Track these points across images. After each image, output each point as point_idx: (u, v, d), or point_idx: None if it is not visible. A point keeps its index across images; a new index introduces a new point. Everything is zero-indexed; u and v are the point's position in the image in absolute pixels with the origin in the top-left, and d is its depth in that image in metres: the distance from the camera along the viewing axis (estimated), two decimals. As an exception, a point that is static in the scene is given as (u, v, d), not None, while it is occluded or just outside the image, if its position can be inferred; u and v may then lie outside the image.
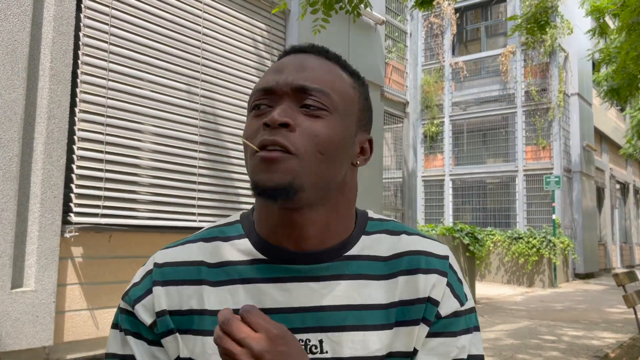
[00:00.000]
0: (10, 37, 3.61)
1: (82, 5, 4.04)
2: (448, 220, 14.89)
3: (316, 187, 0.69)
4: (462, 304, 0.76)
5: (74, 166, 3.94)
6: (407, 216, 7.92)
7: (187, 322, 0.72)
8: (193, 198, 4.76)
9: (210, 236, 0.78)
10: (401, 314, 0.73)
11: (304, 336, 0.70)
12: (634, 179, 21.85)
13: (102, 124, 4.12)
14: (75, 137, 3.95)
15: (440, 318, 0.74)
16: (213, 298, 0.72)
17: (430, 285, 0.74)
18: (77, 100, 3.98)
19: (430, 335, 0.73)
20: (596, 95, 15.71)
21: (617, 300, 9.36)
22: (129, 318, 0.74)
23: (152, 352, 0.73)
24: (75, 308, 3.98)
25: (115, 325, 0.77)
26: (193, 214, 4.76)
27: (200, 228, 3.78)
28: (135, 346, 0.73)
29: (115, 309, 3.75)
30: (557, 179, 12.54)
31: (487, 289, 11.14)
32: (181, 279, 0.74)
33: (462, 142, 15.54)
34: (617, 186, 19.71)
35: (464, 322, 0.75)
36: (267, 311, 0.69)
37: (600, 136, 17.45)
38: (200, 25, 4.92)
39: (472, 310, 0.77)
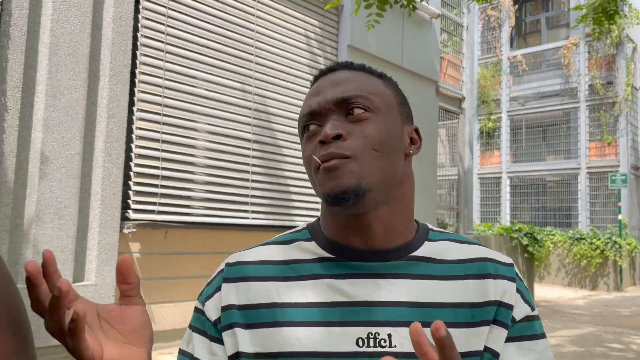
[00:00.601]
0: (71, 39, 3.73)
1: (140, 7, 4.12)
2: (505, 219, 14.43)
3: (381, 185, 0.74)
4: (532, 310, 0.80)
5: (132, 164, 4.03)
6: (462, 215, 7.70)
7: (257, 315, 0.75)
8: (246, 195, 4.79)
9: (275, 241, 0.84)
10: (470, 315, 0.75)
11: (372, 329, 0.72)
12: None
13: (158, 123, 4.20)
14: (133, 136, 4.04)
15: (515, 322, 0.77)
16: (282, 292, 0.76)
17: (501, 290, 0.77)
18: (135, 99, 4.06)
19: (510, 339, 0.76)
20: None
21: (691, 307, 8.78)
22: (199, 316, 0.80)
23: (211, 348, 0.76)
24: (133, 302, 4.08)
25: (190, 325, 0.82)
26: (246, 211, 4.78)
27: (253, 225, 3.78)
28: (196, 342, 0.78)
29: (169, 305, 3.80)
30: (623, 177, 11.89)
31: (546, 292, 10.71)
32: (250, 276, 0.78)
33: (520, 138, 15.01)
34: (690, 185, 18.54)
35: (537, 327, 0.79)
36: (335, 304, 0.73)
37: (672, 132, 16.46)
38: (253, 24, 4.94)
39: (539, 317, 0.81)
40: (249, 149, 4.84)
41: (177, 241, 4.34)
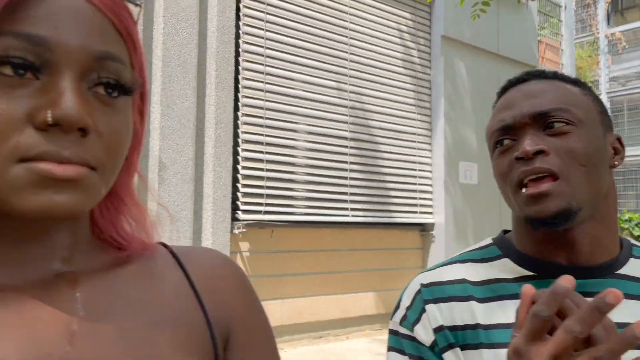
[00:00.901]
0: (180, 50, 3.92)
1: (241, 14, 4.26)
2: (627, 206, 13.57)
3: (591, 202, 0.70)
4: None
5: (239, 167, 4.18)
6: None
7: (462, 337, 0.73)
8: (345, 194, 4.83)
9: (465, 259, 0.80)
10: None
11: None
12: None
13: (261, 126, 4.32)
14: (239, 140, 4.20)
15: None
16: (483, 313, 0.73)
17: None
18: (240, 104, 4.21)
19: None
20: None
21: None
22: (410, 342, 0.77)
23: None
24: (245, 300, 4.24)
25: (394, 349, 0.79)
26: (346, 209, 4.82)
27: (353, 223, 3.77)
28: None
29: (277, 301, 3.89)
30: None
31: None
32: (450, 296, 0.76)
33: (622, 121, 14.01)
34: None
35: None
36: None
37: None
38: (346, 21, 4.95)
39: None
40: (346, 147, 4.87)
41: (282, 240, 4.46)
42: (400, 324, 0.79)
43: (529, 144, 0.69)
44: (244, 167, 4.20)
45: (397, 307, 0.81)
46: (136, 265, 0.53)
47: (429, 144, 5.54)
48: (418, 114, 5.46)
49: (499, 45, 6.07)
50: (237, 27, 4.23)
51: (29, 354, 0.42)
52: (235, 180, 4.18)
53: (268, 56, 4.38)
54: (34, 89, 0.41)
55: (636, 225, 7.78)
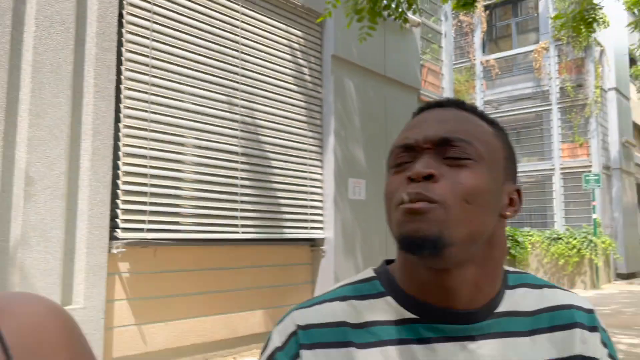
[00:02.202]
0: (54, 55, 3.62)
1: (124, 21, 4.03)
2: (483, 221, 14.61)
3: (465, 241, 0.66)
4: None
5: (119, 182, 3.92)
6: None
7: None
8: (235, 210, 4.72)
9: (346, 294, 0.74)
10: None
11: None
12: (675, 174, 21.14)
13: (145, 139, 4.10)
14: (120, 153, 3.94)
15: None
16: None
17: (585, 342, 0.73)
18: (121, 115, 3.97)
19: None
20: (635, 90, 15.24)
21: (667, 303, 9.01)
22: None
23: None
24: (124, 324, 3.97)
25: None
26: (236, 225, 4.71)
27: (243, 240, 3.70)
28: None
29: (161, 324, 3.68)
30: (596, 177, 12.16)
31: (527, 292, 10.84)
32: (327, 341, 0.69)
33: (495, 141, 15.23)
34: (657, 182, 19.09)
35: None
36: None
37: (639, 131, 16.92)
38: (238, 35, 4.88)
39: None
40: (237, 162, 4.77)
41: (166, 259, 4.24)
42: None
43: (422, 166, 0.66)
44: (124, 182, 3.95)
45: (266, 347, 0.73)
46: None
47: (320, 160, 5.61)
48: (309, 130, 5.50)
49: (386, 68, 6.32)
50: (120, 34, 4.00)
51: None
52: (115, 196, 3.91)
53: (154, 66, 4.18)
54: None
55: (507, 238, 8.41)
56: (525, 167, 14.44)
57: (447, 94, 7.93)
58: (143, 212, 4.04)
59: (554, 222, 13.81)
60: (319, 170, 5.59)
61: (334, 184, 5.52)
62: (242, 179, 4.80)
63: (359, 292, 0.74)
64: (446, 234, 0.64)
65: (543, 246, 12.62)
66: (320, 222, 5.55)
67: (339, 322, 0.70)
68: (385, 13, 3.60)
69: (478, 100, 15.26)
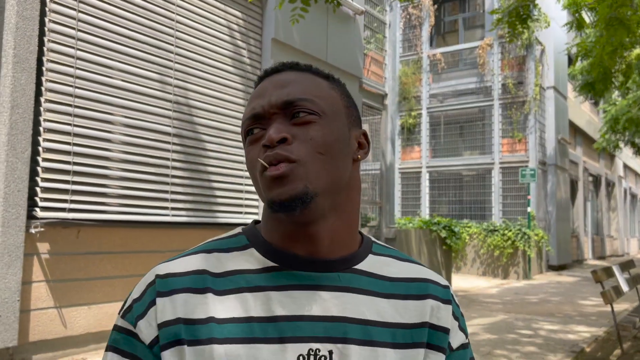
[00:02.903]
0: (-31, 22, 3.41)
1: (48, -11, 3.83)
2: (424, 212, 14.93)
3: (328, 190, 0.71)
4: (466, 337, 0.82)
5: (39, 158, 3.76)
6: (385, 210, 7.87)
7: (194, 331, 0.68)
8: (166, 192, 4.61)
9: (211, 248, 0.77)
10: (409, 336, 0.75)
11: (313, 345, 0.69)
12: (606, 172, 22.24)
13: (69, 115, 3.94)
14: (41, 128, 3.77)
15: (452, 350, 0.79)
16: (220, 307, 0.70)
17: (436, 312, 0.79)
18: (43, 89, 3.79)
19: None
20: (572, 89, 15.91)
21: (590, 293, 9.50)
22: (127, 337, 0.71)
23: None
24: (42, 306, 3.82)
25: (110, 347, 0.72)
26: (166, 207, 4.61)
27: (173, 223, 3.63)
28: None
29: (83, 307, 3.58)
30: (532, 172, 12.64)
31: (462, 281, 11.21)
32: (186, 287, 0.71)
33: (439, 134, 15.55)
34: (590, 179, 20.04)
35: (469, 354, 0.82)
36: (276, 318, 0.69)
37: (575, 129, 17.67)
38: (173, 13, 4.75)
39: (469, 343, 0.84)
40: (169, 142, 4.66)
41: (90, 240, 4.10)
42: (123, 317, 0.72)
43: (274, 131, 0.69)
44: (45, 159, 3.78)
45: (126, 301, 0.74)
46: None
47: (257, 144, 5.55)
48: (246, 114, 5.44)
49: (327, 54, 6.32)
50: (43, 3, 3.80)
51: None
52: (34, 173, 3.74)
53: (80, 39, 4.01)
54: None
55: (443, 228, 8.63)
56: (467, 160, 14.84)
57: (390, 83, 8.02)
58: (66, 191, 3.89)
59: (492, 214, 14.28)
60: (256, 154, 5.54)
61: (270, 169, 5.48)
62: (174, 160, 4.69)
63: (225, 245, 0.76)
64: (310, 188, 0.68)
65: (480, 237, 13.04)
66: (255, 207, 5.51)
67: (199, 270, 0.72)
68: (316, -5, 3.59)
69: (424, 93, 15.54)
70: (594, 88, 10.79)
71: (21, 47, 3.66)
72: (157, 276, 0.72)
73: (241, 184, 5.36)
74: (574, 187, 17.63)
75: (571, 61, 16.00)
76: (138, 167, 4.40)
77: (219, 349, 0.66)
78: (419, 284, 0.79)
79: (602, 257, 20.82)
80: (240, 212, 5.36)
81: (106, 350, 0.73)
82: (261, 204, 5.51)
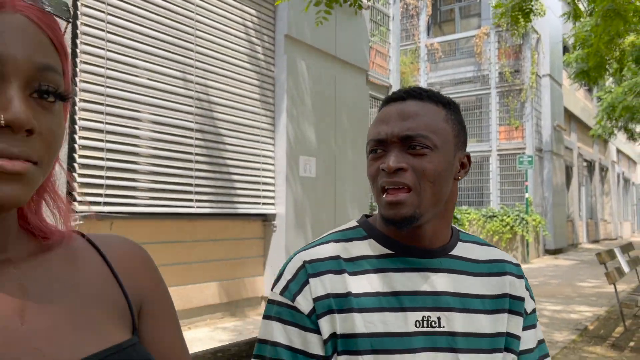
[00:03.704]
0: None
1: (79, -6, 4.01)
2: (424, 199, 15.21)
3: (431, 208, 0.91)
4: (534, 303, 1.04)
5: (76, 155, 3.95)
6: (391, 198, 8.11)
7: (339, 303, 0.89)
8: (190, 185, 4.83)
9: (337, 238, 0.97)
10: (494, 304, 0.97)
11: (426, 314, 0.90)
12: (600, 157, 22.59)
13: (101, 113, 4.14)
14: (77, 127, 3.96)
15: (527, 314, 1.00)
16: (353, 284, 0.90)
17: (513, 285, 1.00)
18: (77, 89, 3.98)
19: (525, 328, 1.00)
20: (566, 77, 16.13)
21: (588, 275, 9.82)
22: (288, 310, 0.90)
23: (306, 337, 0.88)
24: (81, 295, 4.04)
25: (274, 318, 0.91)
26: (191, 200, 4.82)
27: (198, 214, 3.86)
28: (288, 332, 0.89)
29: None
30: (529, 159, 12.92)
31: (463, 266, 11.48)
32: (328, 269, 0.91)
33: (437, 122, 15.79)
34: (584, 164, 20.37)
35: (536, 316, 1.04)
36: (398, 293, 0.90)
37: (569, 116, 17.96)
38: (192, 12, 4.93)
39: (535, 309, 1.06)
40: (191, 137, 4.86)
41: (122, 231, 4.31)
42: (281, 294, 0.91)
43: (393, 161, 0.87)
44: (81, 156, 3.99)
45: (278, 280, 0.93)
46: (61, 251, 0.60)
47: (272, 138, 5.77)
48: (262, 109, 5.64)
49: (336, 49, 6.52)
50: (75, 7, 3.98)
51: None
52: (72, 169, 3.94)
53: (109, 41, 4.20)
54: None
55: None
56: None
57: (394, 75, 8.21)
58: (100, 185, 4.10)
59: (490, 200, 14.57)
60: (271, 147, 5.76)
61: (285, 161, 5.70)
62: (197, 154, 4.90)
63: (346, 236, 0.98)
64: (418, 212, 0.88)
65: (479, 223, 13.33)
66: (272, 198, 5.74)
67: (335, 256, 0.93)
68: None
69: (422, 82, 15.73)
70: (588, 75, 11.00)
71: (56, 50, 3.84)
72: (305, 262, 0.92)
73: (258, 176, 5.58)
74: (569, 173, 17.94)
75: (566, 49, 16.23)
76: (165, 161, 4.60)
77: (357, 316, 0.88)
78: (498, 264, 1.00)
79: (596, 241, 21.21)
80: (258, 203, 5.58)
81: (268, 319, 0.92)
82: (278, 195, 5.73)
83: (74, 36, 3.96)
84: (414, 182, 0.88)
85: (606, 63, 10.32)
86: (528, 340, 1.00)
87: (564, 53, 15.85)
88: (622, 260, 4.91)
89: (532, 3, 5.33)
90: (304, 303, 0.89)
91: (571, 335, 4.85)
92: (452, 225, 1.04)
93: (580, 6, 9.86)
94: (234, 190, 5.29)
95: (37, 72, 0.50)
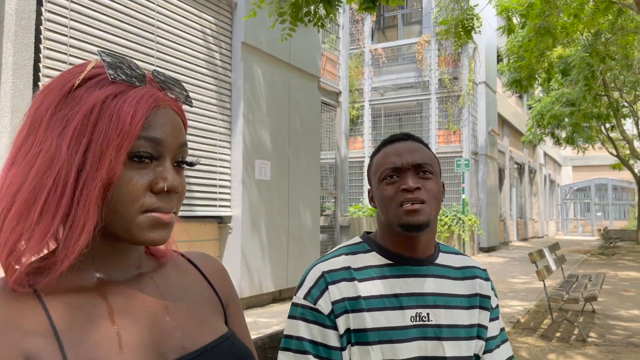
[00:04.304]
0: (-28, 31, 3.59)
1: (43, 0, 4.04)
2: (367, 200, 15.70)
3: (434, 219, 1.19)
4: (497, 300, 1.31)
5: (38, 160, 3.98)
6: (339, 199, 8.43)
7: (352, 305, 1.13)
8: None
9: (346, 252, 1.23)
10: (468, 302, 1.23)
11: (419, 310, 1.16)
12: (529, 160, 24.01)
13: (64, 118, 4.17)
14: (40, 131, 3.99)
15: (492, 308, 1.27)
16: (362, 289, 1.15)
17: (482, 286, 1.27)
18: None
19: (491, 320, 1.26)
20: (500, 85, 17.09)
21: (519, 272, 10.54)
22: (310, 312, 1.14)
23: (325, 333, 1.12)
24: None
25: (299, 318, 1.14)
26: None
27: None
28: (311, 329, 1.13)
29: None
30: (466, 162, 13.64)
31: (405, 264, 11.99)
32: (342, 278, 1.16)
33: (380, 125, 16.33)
34: (515, 167, 21.62)
35: (499, 311, 1.31)
36: (398, 295, 1.16)
37: (502, 121, 19.01)
38: (153, 18, 5.02)
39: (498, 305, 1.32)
40: (151, 142, 4.95)
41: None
42: (305, 298, 1.15)
43: (413, 182, 1.14)
44: (44, 160, 4.02)
45: (300, 287, 1.17)
46: (172, 266, 0.82)
47: (229, 142, 5.92)
48: (219, 113, 5.79)
49: (290, 57, 6.74)
50: (39, 12, 4.01)
51: (146, 322, 0.70)
52: (33, 173, 3.97)
53: (72, 46, 4.24)
54: (151, 169, 0.69)
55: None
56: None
57: (343, 82, 8.53)
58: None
59: (429, 201, 15.23)
60: (227, 151, 5.91)
61: (242, 165, 5.88)
62: (157, 158, 4.99)
63: (353, 250, 1.23)
64: (430, 218, 1.15)
65: (419, 223, 13.95)
66: (228, 200, 5.90)
67: (346, 267, 1.18)
68: (306, 19, 4.01)
69: (366, 86, 16.21)
70: (520, 84, 11.76)
71: (19, 55, 3.86)
72: (324, 272, 1.17)
73: (215, 179, 5.72)
74: (502, 175, 18.99)
75: (500, 58, 17.18)
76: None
77: (367, 314, 1.13)
78: (470, 269, 1.27)
79: (525, 239, 22.53)
80: (215, 206, 5.72)
81: (294, 319, 1.15)
82: (234, 198, 5.89)
83: (37, 41, 3.99)
84: (426, 197, 1.14)
85: (535, 73, 11.09)
86: (493, 329, 1.26)
87: (498, 62, 16.80)
88: (550, 259, 5.43)
89: (473, 22, 5.77)
90: (324, 306, 1.13)
91: (506, 328, 5.33)
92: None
93: (514, 20, 10.59)
94: (190, 192, 5.41)
95: (179, 148, 0.72)
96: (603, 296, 7.21)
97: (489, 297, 1.26)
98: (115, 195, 0.65)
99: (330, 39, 8.48)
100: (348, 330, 1.13)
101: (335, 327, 1.12)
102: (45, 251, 0.66)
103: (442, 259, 1.25)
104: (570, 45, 12.68)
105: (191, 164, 0.76)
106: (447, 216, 13.57)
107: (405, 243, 1.19)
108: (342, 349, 1.13)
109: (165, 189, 0.69)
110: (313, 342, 1.12)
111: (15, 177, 0.65)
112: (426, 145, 1.26)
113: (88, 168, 0.63)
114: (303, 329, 1.13)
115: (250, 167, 6.01)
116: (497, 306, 1.30)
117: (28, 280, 0.64)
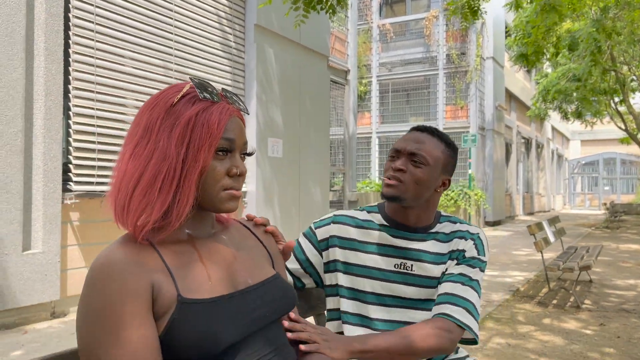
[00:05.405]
0: (8, 20, 3.87)
1: (71, -12, 4.29)
2: (374, 175, 15.98)
3: (412, 198, 1.44)
4: (479, 255, 1.47)
5: (70, 139, 4.30)
6: (347, 175, 8.72)
7: (342, 242, 1.50)
8: (171, 165, 5.22)
9: (364, 209, 1.58)
10: (444, 258, 1.48)
11: (403, 261, 1.45)
12: (536, 135, 24.10)
13: (92, 100, 4.47)
14: (71, 113, 4.29)
15: (464, 258, 1.45)
16: (360, 236, 1.49)
17: (460, 243, 1.50)
18: (70, 78, 4.29)
19: (457, 265, 1.45)
20: (507, 59, 17.12)
21: (522, 245, 10.84)
22: (311, 233, 1.54)
23: (312, 250, 1.51)
24: (76, 266, 4.43)
25: (303, 235, 1.56)
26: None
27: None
28: (306, 242, 1.53)
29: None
30: (473, 137, 13.83)
31: (411, 238, 12.31)
32: (347, 223, 1.52)
33: (387, 101, 16.49)
34: (522, 141, 21.75)
35: (477, 263, 1.44)
36: (384, 245, 1.47)
37: (510, 96, 19.09)
38: (172, 3, 5.26)
39: (484, 262, 1.47)
40: (171, 122, 5.24)
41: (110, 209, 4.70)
42: (313, 224, 1.56)
43: (400, 163, 1.42)
44: (75, 140, 4.33)
45: (318, 220, 1.55)
46: (233, 229, 1.13)
47: (243, 121, 6.20)
48: (234, 93, 6.05)
49: (300, 37, 6.96)
50: (67, 1, 4.27)
51: (222, 264, 1.00)
52: (67, 152, 4.29)
53: (98, 32, 4.51)
54: (227, 159, 0.98)
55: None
56: (413, 126, 15.87)
57: (352, 60, 8.73)
58: (92, 167, 4.46)
59: (436, 176, 15.47)
60: (241, 129, 6.20)
61: (255, 143, 6.17)
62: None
63: (370, 209, 1.56)
64: (401, 196, 1.42)
65: (426, 197, 14.22)
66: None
67: (355, 217, 1.53)
68: (318, 6, 4.24)
69: (374, 62, 16.33)
70: (527, 59, 11.85)
71: (50, 41, 4.14)
72: (335, 214, 1.54)
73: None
74: (508, 150, 19.15)
75: (508, 33, 17.18)
76: (148, 144, 4.98)
77: (359, 254, 1.46)
78: (458, 233, 1.49)
79: (531, 213, 22.78)
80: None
81: (303, 234, 1.54)
82: (249, 175, 6.20)
83: (67, 28, 4.26)
84: (406, 179, 1.41)
85: (543, 48, 11.20)
86: (453, 269, 1.43)
87: (506, 37, 16.81)
88: (549, 232, 5.71)
89: (479, 1, 5.95)
90: (321, 233, 1.53)
91: (505, 296, 5.65)
92: (442, 212, 1.56)
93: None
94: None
95: (243, 144, 1.02)
96: (602, 267, 7.51)
97: (463, 251, 1.45)
98: (205, 179, 0.95)
99: (338, 17, 8.65)
100: (336, 261, 1.49)
101: (320, 253, 1.51)
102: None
103: (438, 227, 1.51)
104: (579, 19, 12.72)
105: (250, 154, 1.06)
106: (453, 191, 13.83)
107: (397, 211, 1.48)
108: (317, 273, 1.53)
109: (238, 173, 0.98)
110: (302, 248, 1.53)
111: (136, 166, 0.94)
112: (447, 142, 1.48)
113: (189, 160, 0.93)
114: (302, 239, 1.55)
115: (264, 145, 6.30)
116: (474, 259, 1.45)
117: (147, 236, 0.94)
